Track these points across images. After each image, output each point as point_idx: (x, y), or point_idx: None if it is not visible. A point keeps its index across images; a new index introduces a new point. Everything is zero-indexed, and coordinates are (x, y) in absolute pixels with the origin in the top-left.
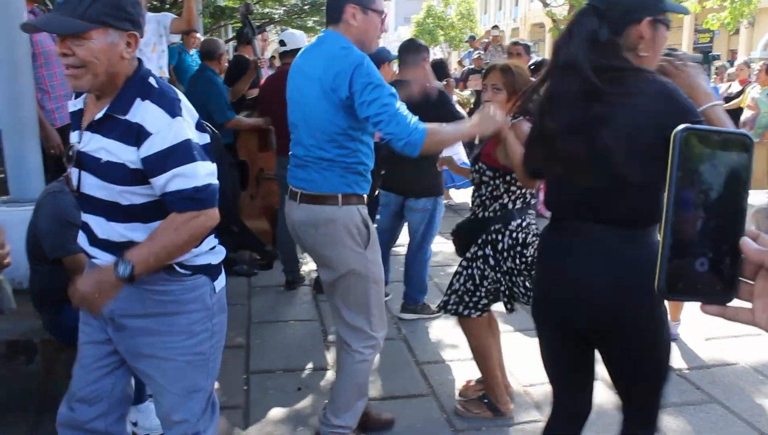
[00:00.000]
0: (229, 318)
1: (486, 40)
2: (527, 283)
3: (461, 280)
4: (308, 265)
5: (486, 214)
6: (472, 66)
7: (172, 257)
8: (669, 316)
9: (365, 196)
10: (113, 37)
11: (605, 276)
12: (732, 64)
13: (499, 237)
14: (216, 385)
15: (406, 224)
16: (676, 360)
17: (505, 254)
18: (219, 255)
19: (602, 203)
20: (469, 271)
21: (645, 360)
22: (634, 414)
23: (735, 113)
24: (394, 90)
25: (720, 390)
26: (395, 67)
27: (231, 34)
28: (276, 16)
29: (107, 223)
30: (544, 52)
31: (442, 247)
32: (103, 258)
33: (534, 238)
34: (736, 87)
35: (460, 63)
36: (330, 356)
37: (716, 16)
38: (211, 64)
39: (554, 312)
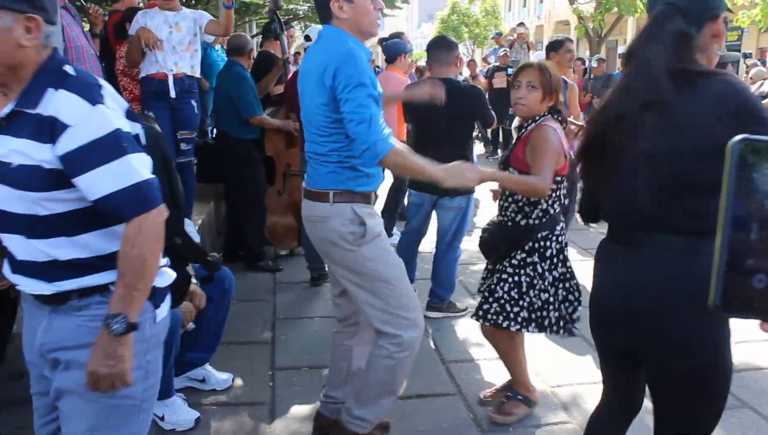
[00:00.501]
0: (255, 313)
1: (512, 38)
2: (571, 291)
3: (506, 288)
4: None
5: (530, 221)
6: (498, 63)
7: (150, 273)
8: None
9: (368, 193)
10: (5, 21)
11: (657, 287)
12: (764, 63)
13: (547, 244)
14: (240, 381)
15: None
16: None
17: (555, 260)
18: (164, 277)
19: (666, 210)
20: (516, 278)
21: (687, 384)
22: None
23: None
24: (377, 92)
25: (751, 395)
26: (421, 62)
27: (255, 30)
28: (301, 12)
29: (27, 241)
30: None
31: (466, 244)
32: (28, 285)
33: (564, 240)
34: (767, 86)
35: (485, 60)
36: None
37: (747, 14)
38: (240, 59)
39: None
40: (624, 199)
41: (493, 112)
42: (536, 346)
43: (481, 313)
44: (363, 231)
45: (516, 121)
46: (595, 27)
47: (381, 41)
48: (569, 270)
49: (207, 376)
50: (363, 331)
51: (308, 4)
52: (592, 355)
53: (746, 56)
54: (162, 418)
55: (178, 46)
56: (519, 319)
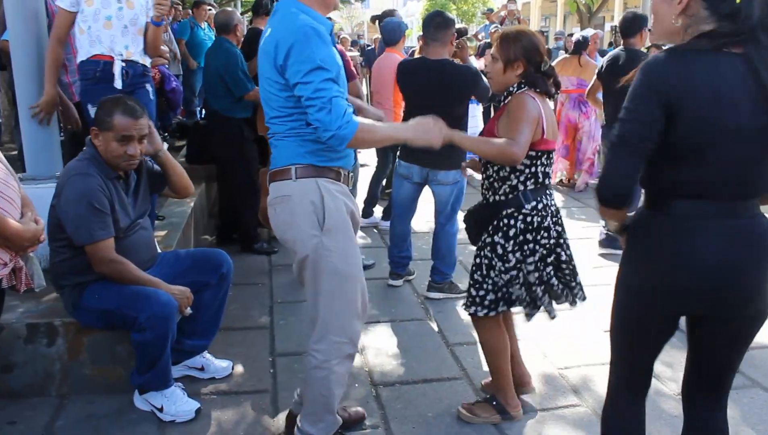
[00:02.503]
0: (251, 297)
1: (503, 14)
2: (545, 273)
3: (472, 269)
4: None
5: (497, 197)
6: (489, 40)
7: None
8: None
9: (337, 168)
10: None
11: (759, 258)
12: None
13: (512, 222)
14: (240, 368)
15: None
16: None
17: (520, 239)
18: None
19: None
20: (478, 260)
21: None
22: (722, 400)
23: None
24: (335, 71)
25: (762, 373)
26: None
27: (240, 8)
28: None
29: None
30: (555, 27)
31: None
32: None
33: (554, 220)
34: None
35: (476, 36)
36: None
37: None
38: (228, 36)
39: (688, 295)
40: (724, 168)
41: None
42: (544, 328)
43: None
44: (324, 214)
45: None
46: (586, 3)
47: (373, 19)
48: (546, 249)
49: (206, 364)
50: None
51: None
52: (601, 336)
53: None
54: (160, 410)
55: (130, 26)
56: (486, 303)
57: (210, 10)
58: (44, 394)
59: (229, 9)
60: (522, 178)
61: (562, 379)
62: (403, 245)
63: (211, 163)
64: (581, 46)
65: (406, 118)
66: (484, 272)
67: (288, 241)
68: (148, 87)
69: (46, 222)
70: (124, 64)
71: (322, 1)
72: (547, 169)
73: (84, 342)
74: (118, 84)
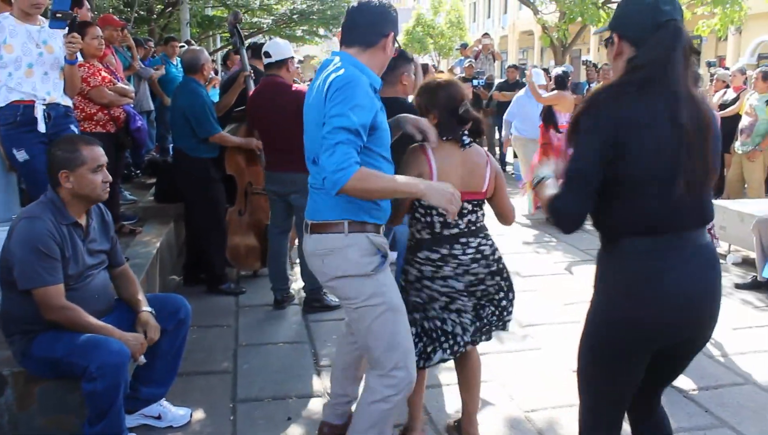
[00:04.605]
0: (216, 340)
1: (477, 49)
2: (449, 319)
3: None
4: (297, 283)
5: (410, 243)
6: (464, 74)
7: None
8: None
9: (380, 225)
10: None
11: (718, 279)
12: (728, 70)
13: (407, 267)
14: (199, 415)
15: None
16: (682, 380)
17: (418, 286)
18: None
19: (706, 207)
20: None
21: None
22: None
23: (732, 120)
24: (353, 125)
25: (730, 412)
26: None
27: (219, 44)
28: (265, 26)
29: None
30: (533, 60)
31: None
32: None
33: (459, 271)
34: (731, 94)
35: (451, 71)
36: (321, 382)
37: (706, 23)
38: (195, 76)
39: (671, 327)
40: (674, 202)
41: None
42: (511, 369)
43: None
44: (380, 261)
45: None
46: (559, 37)
47: None
48: (430, 298)
49: (163, 413)
50: None
51: (272, 18)
52: (569, 376)
53: (711, 65)
54: None
55: (51, 71)
56: None
57: (182, 46)
58: None
59: (197, 48)
60: (419, 228)
61: (528, 422)
62: None
63: (180, 201)
64: (562, 82)
65: None
66: None
67: (338, 289)
68: (73, 128)
69: None
70: (45, 107)
71: (377, 63)
72: (448, 220)
73: (35, 392)
74: (41, 128)
